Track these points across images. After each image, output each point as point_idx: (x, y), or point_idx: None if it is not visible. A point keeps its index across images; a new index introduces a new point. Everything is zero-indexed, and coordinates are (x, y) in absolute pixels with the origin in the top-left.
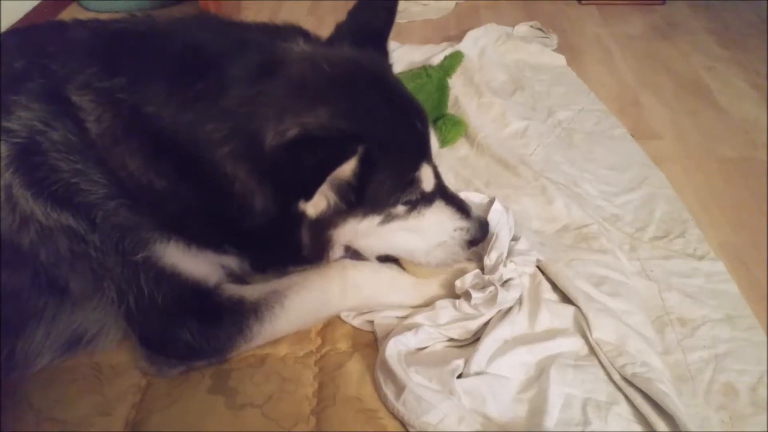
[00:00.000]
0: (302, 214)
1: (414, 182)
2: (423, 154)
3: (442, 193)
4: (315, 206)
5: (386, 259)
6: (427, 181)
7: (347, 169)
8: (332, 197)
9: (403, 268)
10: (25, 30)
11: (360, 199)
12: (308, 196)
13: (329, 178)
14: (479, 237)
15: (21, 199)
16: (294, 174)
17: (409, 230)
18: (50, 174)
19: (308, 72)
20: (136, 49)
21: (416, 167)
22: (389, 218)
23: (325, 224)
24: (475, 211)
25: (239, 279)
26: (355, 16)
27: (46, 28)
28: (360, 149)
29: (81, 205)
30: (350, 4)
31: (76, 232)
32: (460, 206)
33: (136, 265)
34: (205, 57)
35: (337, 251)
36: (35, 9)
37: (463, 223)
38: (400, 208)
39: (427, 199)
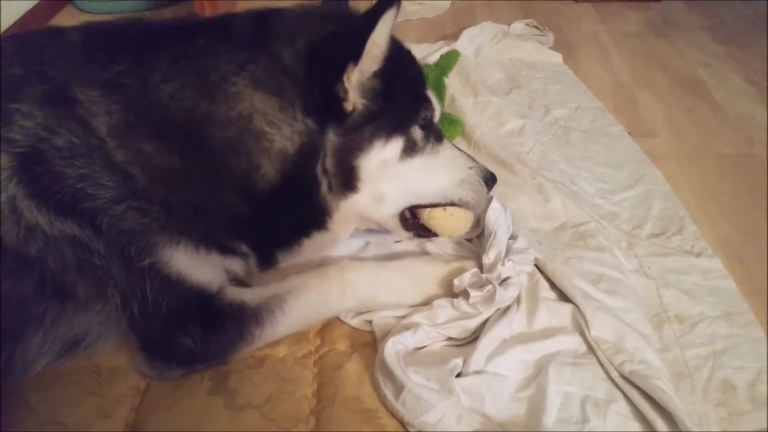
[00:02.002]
0: (325, 137)
1: (427, 99)
2: (425, 79)
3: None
4: (353, 89)
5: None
6: (435, 107)
7: (385, 30)
8: (358, 99)
9: (431, 234)
10: (21, 37)
11: (382, 107)
12: (356, 55)
13: (374, 37)
14: (491, 180)
15: (25, 210)
16: (335, 48)
17: (432, 165)
18: (54, 182)
19: (301, 12)
20: (132, 37)
21: (425, 84)
22: (409, 146)
23: (350, 147)
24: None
25: (241, 282)
26: None
27: (42, 35)
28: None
29: (86, 211)
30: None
31: (80, 241)
32: (464, 153)
33: (142, 273)
34: (201, 25)
35: (356, 198)
36: (30, 11)
37: (473, 163)
38: (418, 132)
39: (437, 135)
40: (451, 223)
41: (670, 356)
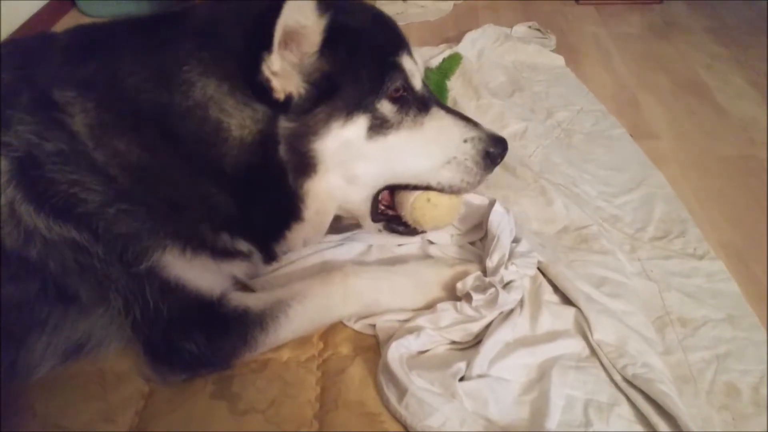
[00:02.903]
0: (277, 123)
1: (396, 67)
2: (401, 42)
3: (439, 103)
4: (279, 75)
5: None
6: (414, 74)
7: (303, 12)
8: (298, 81)
9: (415, 226)
10: (15, 42)
11: (334, 86)
12: (267, 46)
13: (283, 22)
14: (497, 150)
15: (24, 213)
16: (250, 37)
17: (409, 144)
18: (49, 187)
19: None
20: (107, 35)
21: (395, 52)
22: (378, 124)
23: (303, 133)
24: (486, 127)
25: (244, 287)
26: None
27: (33, 40)
28: (325, 16)
29: (82, 215)
30: None
31: (79, 244)
32: (464, 117)
33: (141, 277)
34: (164, 17)
35: (324, 183)
36: (34, 15)
37: (472, 132)
38: (387, 106)
39: (421, 104)
40: (435, 214)
41: (673, 359)
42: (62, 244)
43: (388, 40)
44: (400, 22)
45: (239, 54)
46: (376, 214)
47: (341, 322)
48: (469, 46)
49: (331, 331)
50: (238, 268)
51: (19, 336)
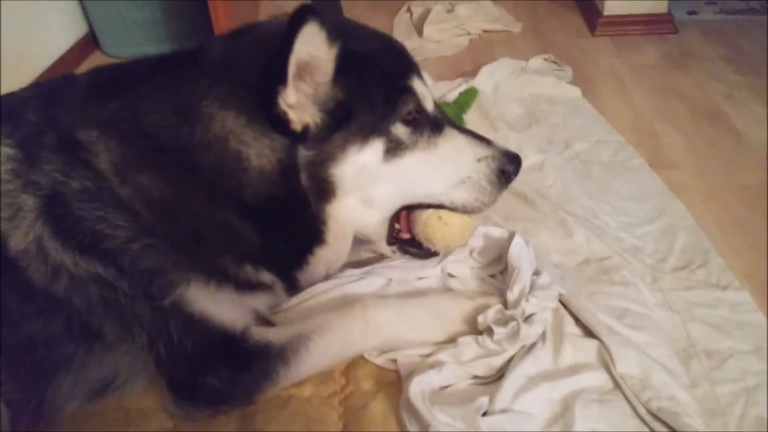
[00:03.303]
0: (296, 153)
1: (408, 90)
2: (411, 66)
3: (452, 123)
4: (295, 107)
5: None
6: (426, 97)
7: (314, 44)
8: (314, 111)
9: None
10: (39, 86)
11: (349, 113)
12: (282, 80)
13: (296, 56)
14: (511, 167)
15: (51, 249)
16: (265, 72)
17: (423, 165)
18: (76, 224)
19: (268, 29)
20: (128, 74)
21: (406, 75)
22: (393, 146)
23: (322, 160)
24: (500, 144)
25: (265, 321)
26: None
27: (56, 81)
28: (336, 46)
29: (107, 251)
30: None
31: (105, 280)
32: (477, 136)
33: (165, 312)
34: (183, 54)
35: (343, 206)
36: (60, 58)
37: (485, 151)
38: (401, 129)
39: (434, 125)
40: (445, 232)
41: (700, 392)
42: (88, 279)
43: (399, 64)
44: (416, 57)
45: (255, 87)
46: (391, 237)
47: (363, 357)
48: (485, 79)
49: (353, 366)
50: (260, 301)
51: (45, 374)
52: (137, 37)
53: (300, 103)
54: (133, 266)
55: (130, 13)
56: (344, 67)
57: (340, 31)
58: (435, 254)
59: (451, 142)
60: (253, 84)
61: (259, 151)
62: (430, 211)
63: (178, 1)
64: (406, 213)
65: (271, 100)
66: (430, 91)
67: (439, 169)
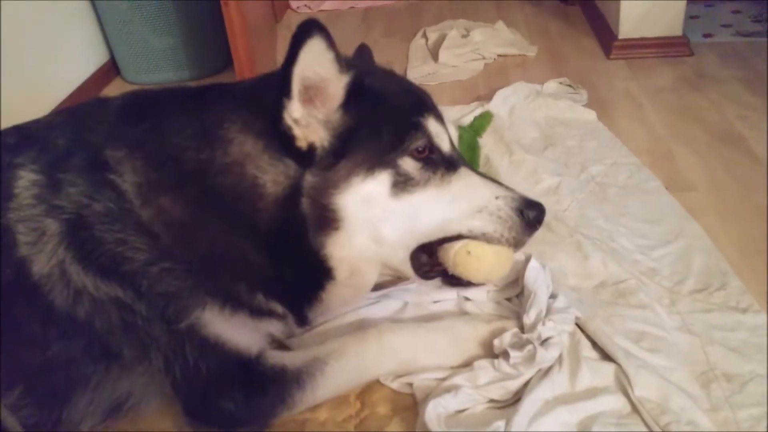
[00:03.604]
0: (303, 179)
1: (419, 126)
2: (427, 107)
3: (469, 166)
4: (303, 126)
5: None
6: (441, 137)
7: (320, 62)
8: (322, 134)
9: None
10: (71, 109)
11: (356, 141)
12: (287, 92)
13: (301, 68)
14: (532, 213)
15: (74, 273)
16: (275, 90)
17: (435, 201)
18: (97, 246)
19: None
20: (159, 100)
21: (419, 113)
22: (402, 181)
23: (325, 187)
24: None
25: (280, 345)
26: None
27: (89, 104)
28: (348, 75)
29: (127, 274)
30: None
31: (124, 303)
32: (497, 181)
33: (181, 335)
34: (213, 86)
35: (353, 243)
36: (82, 85)
37: (504, 192)
38: (411, 163)
39: (449, 165)
40: (479, 266)
41: (720, 417)
42: (108, 302)
43: (412, 103)
44: (432, 82)
45: (271, 111)
46: (425, 273)
47: (378, 381)
48: (500, 103)
49: (369, 390)
50: (275, 327)
51: (63, 394)
52: (157, 65)
53: (308, 122)
54: (151, 289)
55: (150, 41)
56: (356, 97)
57: (360, 67)
58: (481, 283)
59: (466, 180)
60: (269, 108)
61: (274, 178)
62: (457, 247)
63: (197, 29)
64: (433, 251)
65: (279, 116)
66: (447, 132)
67: (452, 203)
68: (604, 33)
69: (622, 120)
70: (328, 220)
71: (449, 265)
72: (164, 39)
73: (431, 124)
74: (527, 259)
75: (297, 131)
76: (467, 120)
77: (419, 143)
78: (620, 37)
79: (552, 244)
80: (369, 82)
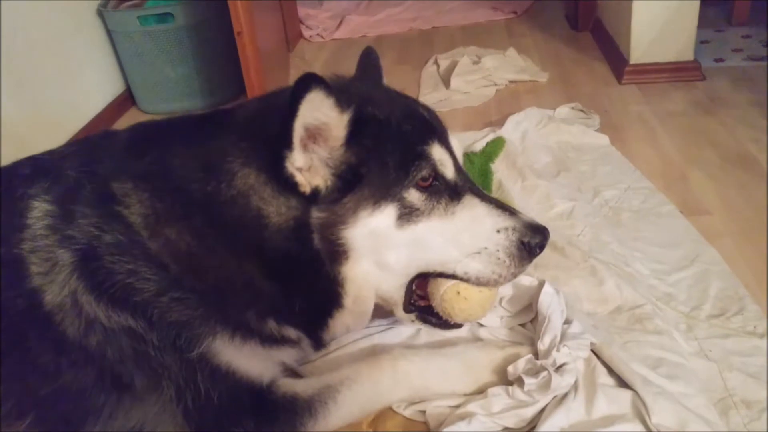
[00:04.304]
0: (309, 213)
1: (424, 156)
2: (431, 132)
3: (474, 191)
4: (305, 170)
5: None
6: (445, 164)
7: (320, 110)
8: (326, 174)
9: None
10: (81, 141)
11: (361, 177)
12: (288, 145)
13: (301, 122)
14: (535, 240)
15: (85, 303)
16: (272, 136)
17: (439, 233)
18: (108, 277)
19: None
20: (164, 130)
21: (423, 140)
22: (407, 212)
23: (333, 222)
24: (526, 215)
25: (292, 372)
26: (356, 77)
27: (98, 137)
28: (348, 113)
29: (138, 304)
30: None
31: (136, 332)
32: (501, 205)
33: (193, 363)
34: (214, 113)
35: (359, 269)
36: (98, 115)
37: (506, 222)
38: (415, 195)
39: (453, 193)
40: (464, 306)
41: None
42: (120, 332)
43: (417, 129)
44: (444, 109)
45: (272, 146)
46: (409, 304)
47: (391, 409)
48: (512, 128)
49: (381, 418)
50: (287, 355)
51: (74, 425)
52: (172, 94)
53: (311, 165)
54: (162, 319)
55: (165, 71)
56: (359, 131)
57: (362, 95)
58: (456, 326)
59: (469, 211)
60: (270, 143)
61: (277, 209)
62: (449, 284)
63: (211, 59)
64: (424, 281)
65: (280, 163)
66: (453, 156)
67: (454, 238)
68: (615, 58)
69: (635, 144)
70: (339, 254)
71: (435, 299)
72: (179, 69)
73: (435, 151)
74: (541, 285)
75: (300, 178)
76: (479, 146)
77: (424, 173)
78: (631, 62)
79: (566, 269)
80: (371, 111)
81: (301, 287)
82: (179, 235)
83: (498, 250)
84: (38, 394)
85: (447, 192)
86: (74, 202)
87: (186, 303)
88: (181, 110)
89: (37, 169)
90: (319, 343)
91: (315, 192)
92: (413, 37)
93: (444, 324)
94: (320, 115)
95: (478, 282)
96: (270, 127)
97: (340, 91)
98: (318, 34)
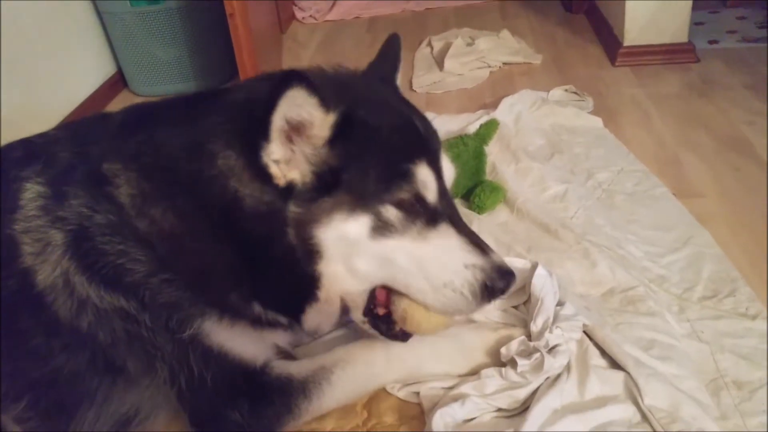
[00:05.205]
0: (286, 206)
1: (407, 176)
2: (421, 149)
3: (453, 219)
4: (283, 163)
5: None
6: (428, 186)
7: (302, 107)
8: (305, 170)
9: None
10: (74, 123)
11: (338, 179)
12: (265, 136)
13: (280, 116)
14: (499, 285)
15: (77, 284)
16: (255, 122)
17: (407, 254)
18: (100, 258)
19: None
20: (156, 111)
21: (410, 158)
22: (381, 225)
23: (308, 218)
24: (497, 255)
25: (287, 355)
26: (372, 65)
27: (90, 119)
28: (335, 114)
29: (130, 285)
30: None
31: (128, 313)
32: (475, 240)
33: (185, 344)
34: (206, 94)
35: (331, 269)
36: (89, 97)
37: (476, 260)
38: (392, 212)
39: (430, 217)
40: (422, 322)
41: (730, 424)
42: (112, 313)
43: (407, 146)
44: (437, 91)
45: (253, 134)
46: (368, 309)
47: (385, 391)
48: (506, 111)
49: (375, 399)
50: (280, 338)
51: (69, 409)
52: (164, 76)
53: (290, 158)
54: (154, 300)
55: (157, 53)
56: (345, 133)
57: (357, 96)
58: (402, 338)
59: (443, 240)
60: (252, 129)
61: (251, 193)
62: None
63: (203, 41)
64: (386, 290)
65: (256, 152)
66: (439, 178)
67: (421, 264)
68: (609, 40)
69: (628, 127)
70: (311, 252)
71: (396, 308)
72: (170, 51)
73: (421, 172)
74: (534, 267)
75: (274, 170)
76: (473, 128)
77: (404, 195)
78: (625, 44)
79: (559, 252)
80: (362, 116)
81: (275, 275)
82: (163, 215)
83: (463, 286)
84: (31, 376)
85: (425, 215)
86: (66, 183)
87: (175, 284)
88: (175, 92)
89: (29, 151)
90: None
91: (290, 186)
92: (407, 19)
93: (391, 335)
94: (302, 112)
95: (435, 311)
96: (254, 113)
97: (334, 89)
98: (311, 16)
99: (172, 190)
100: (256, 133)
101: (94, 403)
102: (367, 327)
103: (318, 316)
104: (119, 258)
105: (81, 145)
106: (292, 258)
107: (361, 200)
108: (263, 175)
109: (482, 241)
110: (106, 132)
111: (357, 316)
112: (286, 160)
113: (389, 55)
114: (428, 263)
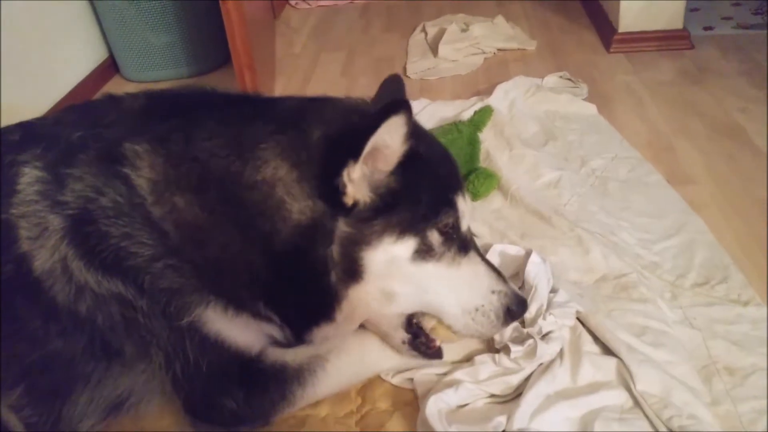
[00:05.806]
0: (335, 223)
1: (452, 204)
2: (459, 181)
3: (477, 249)
4: (354, 185)
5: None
6: (463, 216)
7: (394, 134)
8: (365, 192)
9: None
10: (83, 105)
11: (396, 205)
12: (355, 155)
13: (377, 139)
14: (518, 309)
15: (76, 269)
16: (342, 142)
17: (443, 279)
18: (101, 241)
19: (342, 104)
20: (188, 99)
21: (454, 189)
22: (424, 249)
23: (358, 238)
24: (512, 282)
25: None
26: (379, 93)
27: (102, 102)
28: (408, 143)
29: (130, 269)
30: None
31: (125, 299)
32: (494, 269)
33: (182, 331)
34: (251, 98)
35: (364, 292)
36: (81, 83)
37: (500, 286)
38: (436, 236)
39: (462, 245)
40: (450, 337)
41: (722, 410)
42: (110, 298)
43: (451, 178)
44: (432, 77)
45: (317, 151)
46: (409, 331)
47: (379, 377)
48: (500, 97)
49: (369, 386)
50: (275, 331)
51: (63, 391)
52: (156, 62)
53: (360, 181)
54: (153, 285)
55: (149, 39)
56: (406, 162)
57: (416, 135)
58: (439, 356)
59: (473, 267)
60: (315, 148)
61: (301, 208)
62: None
63: (196, 26)
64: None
65: (336, 171)
66: (468, 212)
67: (456, 289)
68: (604, 27)
69: (622, 114)
70: (354, 272)
71: (425, 328)
72: (163, 36)
73: (461, 203)
74: (528, 254)
75: (350, 189)
76: (467, 115)
77: (449, 220)
78: (620, 30)
79: (553, 239)
80: (419, 147)
81: (298, 289)
82: (188, 205)
83: (491, 310)
84: (28, 362)
85: (458, 243)
86: (69, 166)
87: (180, 271)
88: (167, 78)
89: (28, 135)
90: (299, 340)
91: (353, 206)
92: (401, 5)
93: (429, 354)
94: (390, 139)
95: (460, 334)
96: (315, 129)
97: None
98: (304, 1)
99: (202, 182)
100: (333, 151)
101: (88, 387)
102: (406, 348)
103: (329, 333)
104: (122, 241)
105: (93, 126)
106: (322, 273)
107: (411, 224)
108: (325, 192)
109: (499, 270)
110: (125, 115)
111: (395, 339)
112: (358, 182)
113: (396, 93)
114: (461, 288)
